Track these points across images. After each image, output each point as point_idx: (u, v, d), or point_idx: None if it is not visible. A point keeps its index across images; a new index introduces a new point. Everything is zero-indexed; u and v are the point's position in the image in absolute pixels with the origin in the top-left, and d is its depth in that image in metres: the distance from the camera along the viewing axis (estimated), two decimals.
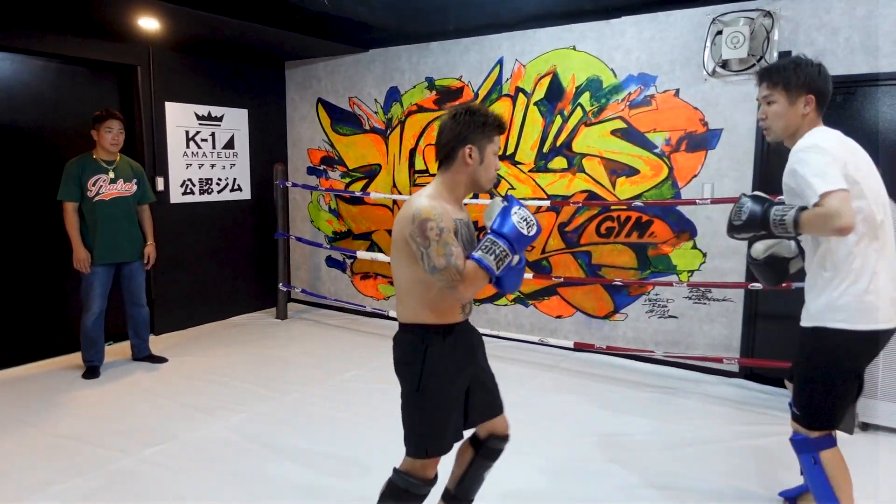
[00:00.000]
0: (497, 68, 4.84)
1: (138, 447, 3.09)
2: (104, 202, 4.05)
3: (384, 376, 4.10)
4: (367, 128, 5.57)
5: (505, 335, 4.82)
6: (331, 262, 6.00)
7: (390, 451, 2.40)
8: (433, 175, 5.18)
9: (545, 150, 4.69)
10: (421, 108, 5.24)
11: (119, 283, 4.22)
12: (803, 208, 1.92)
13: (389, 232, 5.53)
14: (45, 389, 3.91)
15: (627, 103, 4.33)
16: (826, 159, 1.90)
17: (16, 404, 3.68)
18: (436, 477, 2.06)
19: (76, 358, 4.37)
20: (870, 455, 3.05)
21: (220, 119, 5.49)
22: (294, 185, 5.71)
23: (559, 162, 4.64)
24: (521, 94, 4.74)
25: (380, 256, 5.16)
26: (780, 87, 2.09)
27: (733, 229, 2.15)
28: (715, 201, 3.85)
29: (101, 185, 4.05)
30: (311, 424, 3.39)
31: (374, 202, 5.56)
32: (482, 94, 4.91)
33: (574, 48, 4.50)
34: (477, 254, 1.83)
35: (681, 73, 4.12)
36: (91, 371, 4.15)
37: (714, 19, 3.94)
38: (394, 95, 5.37)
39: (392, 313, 5.22)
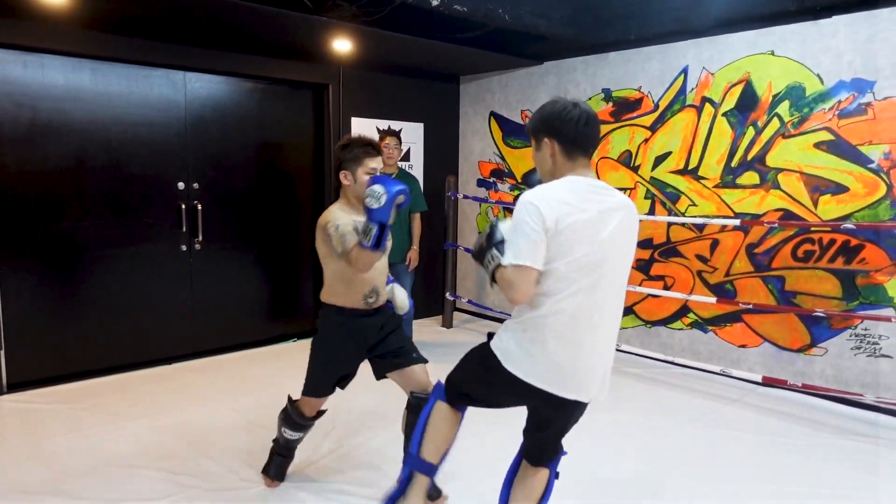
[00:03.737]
0: (681, 77, 4.56)
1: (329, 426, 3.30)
2: None
3: None
4: None
5: (680, 361, 4.50)
6: None
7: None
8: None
9: (734, 164, 4.32)
10: None
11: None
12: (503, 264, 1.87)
13: None
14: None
15: (836, 112, 3.86)
16: (530, 225, 1.80)
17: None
18: (314, 417, 2.79)
19: None
20: None
21: (398, 132, 5.75)
22: (465, 196, 5.81)
23: (750, 177, 4.25)
24: (707, 105, 4.42)
25: None
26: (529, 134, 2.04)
27: (472, 253, 2.09)
28: None
29: None
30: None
31: None
32: (663, 105, 4.65)
33: (772, 53, 4.10)
34: (351, 235, 2.47)
35: None
36: None
37: None
38: None
39: None
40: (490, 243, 1.93)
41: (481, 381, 2.09)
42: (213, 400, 3.90)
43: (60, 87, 4.08)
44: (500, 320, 5.92)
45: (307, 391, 2.73)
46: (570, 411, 2.01)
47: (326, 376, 2.71)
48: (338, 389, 2.77)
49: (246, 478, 2.92)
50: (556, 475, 2.21)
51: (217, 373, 4.45)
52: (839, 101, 3.84)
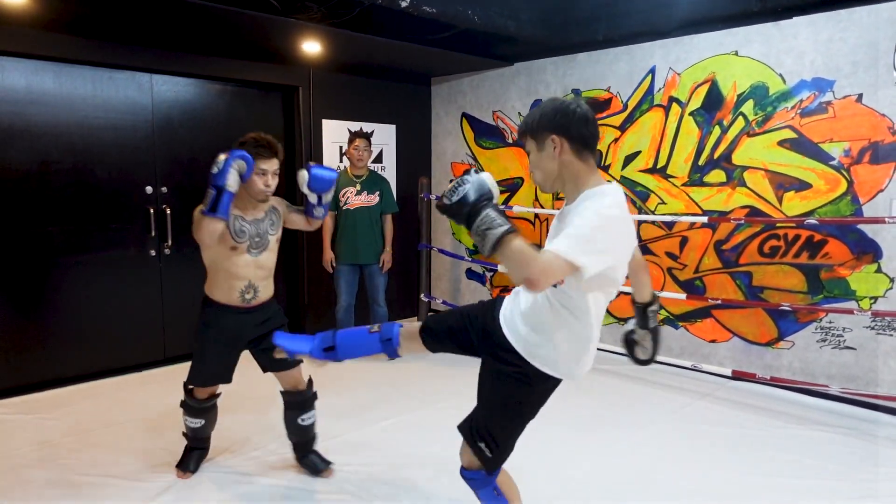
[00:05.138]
0: (648, 78, 4.63)
1: None
2: (350, 211, 4.61)
3: None
4: (511, 141, 5.56)
5: None
6: (471, 274, 6.05)
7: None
8: None
9: (701, 162, 4.40)
10: None
11: (363, 283, 4.81)
12: (512, 231, 1.65)
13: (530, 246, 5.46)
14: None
15: (798, 111, 3.95)
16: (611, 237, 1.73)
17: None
18: (207, 400, 2.88)
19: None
20: None
21: (370, 134, 5.73)
22: (438, 197, 5.81)
23: (717, 175, 4.33)
24: (674, 104, 4.50)
25: None
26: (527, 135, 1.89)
27: (442, 208, 1.78)
28: None
29: (349, 196, 4.64)
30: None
31: (515, 215, 5.53)
32: (631, 104, 4.72)
33: (736, 53, 4.19)
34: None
35: (865, 77, 3.69)
36: None
37: None
38: None
39: None
40: (476, 200, 1.70)
41: (519, 415, 2.02)
42: None
43: (21, 90, 3.98)
44: None
45: (190, 380, 2.84)
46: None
47: (205, 368, 2.80)
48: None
49: (226, 481, 2.89)
50: None
51: None
52: (801, 100, 3.94)
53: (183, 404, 2.89)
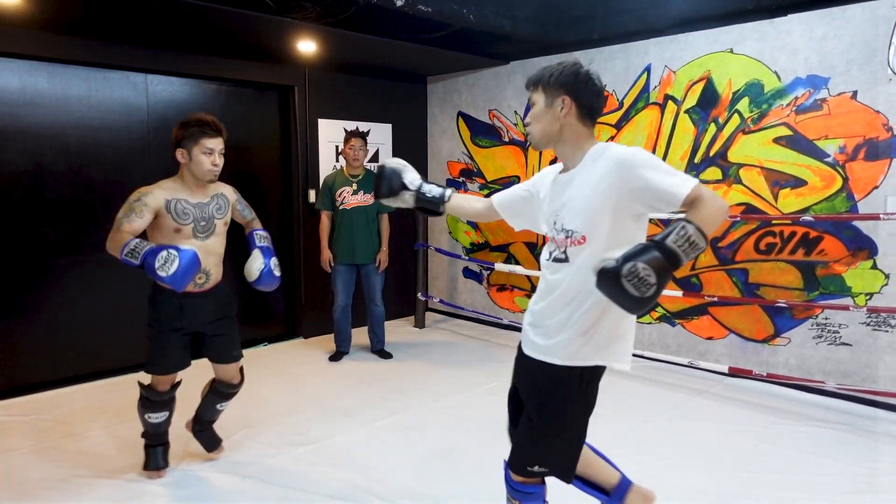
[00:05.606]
0: (644, 76, 4.63)
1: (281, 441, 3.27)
2: (346, 211, 4.60)
3: None
4: (507, 140, 5.56)
5: (649, 355, 4.58)
6: (468, 273, 6.05)
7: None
8: None
9: (697, 160, 4.41)
10: None
11: (360, 283, 4.81)
12: (688, 220, 1.58)
13: (527, 244, 5.47)
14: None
15: (793, 108, 3.96)
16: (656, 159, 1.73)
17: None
18: (170, 390, 2.88)
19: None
20: None
21: (366, 134, 5.72)
22: None
23: (713, 173, 4.34)
24: (670, 102, 4.50)
25: (517, 269, 5.12)
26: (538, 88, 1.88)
27: (638, 303, 1.57)
28: None
29: (345, 196, 4.62)
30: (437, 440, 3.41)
31: None
32: (627, 102, 4.72)
33: (731, 51, 4.19)
34: (135, 240, 2.47)
35: (859, 74, 3.70)
36: (336, 355, 4.83)
37: None
38: None
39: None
40: (657, 248, 1.57)
41: (583, 423, 1.96)
42: (181, 407, 3.83)
43: (15, 90, 3.97)
44: (472, 320, 5.95)
45: (148, 369, 2.82)
46: None
47: (162, 353, 2.78)
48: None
49: (216, 483, 2.88)
50: None
51: (186, 380, 4.36)
52: (796, 98, 3.95)
53: (142, 401, 2.86)
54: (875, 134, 3.67)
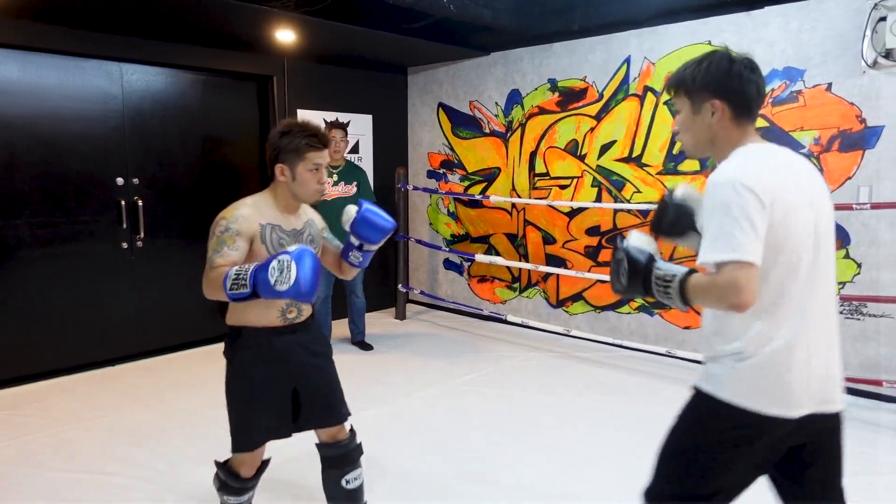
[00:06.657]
0: (624, 67, 4.66)
1: None
2: (326, 202, 4.46)
3: (499, 381, 4.08)
4: (487, 131, 5.56)
5: (628, 345, 4.63)
6: (448, 264, 6.05)
7: (509, 457, 2.35)
8: (554, 178, 5.11)
9: (675, 151, 4.44)
10: (543, 111, 5.15)
11: None
12: (692, 271, 1.46)
13: (507, 235, 5.49)
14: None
15: (770, 100, 4.01)
16: (741, 210, 1.39)
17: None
18: (253, 479, 2.18)
19: None
20: None
21: (346, 125, 5.69)
22: (415, 188, 5.80)
23: (690, 164, 4.38)
24: (649, 94, 4.54)
25: (497, 260, 5.13)
26: (681, 92, 1.62)
27: (618, 292, 1.62)
28: (875, 206, 3.47)
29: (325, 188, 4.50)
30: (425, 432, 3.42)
31: (492, 205, 5.54)
32: (607, 94, 4.75)
33: (709, 43, 4.23)
34: (234, 268, 1.86)
35: (834, 66, 3.76)
36: None
37: (876, 4, 3.55)
38: (515, 98, 5.32)
39: (510, 317, 5.17)
40: (643, 265, 1.54)
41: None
42: (158, 400, 3.80)
43: None
44: (453, 311, 5.96)
45: (236, 446, 2.12)
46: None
47: (255, 418, 2.10)
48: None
49: (197, 478, 2.86)
50: None
51: (164, 373, 4.33)
52: (772, 90, 4.00)
53: (219, 483, 2.18)
54: (849, 125, 3.73)
